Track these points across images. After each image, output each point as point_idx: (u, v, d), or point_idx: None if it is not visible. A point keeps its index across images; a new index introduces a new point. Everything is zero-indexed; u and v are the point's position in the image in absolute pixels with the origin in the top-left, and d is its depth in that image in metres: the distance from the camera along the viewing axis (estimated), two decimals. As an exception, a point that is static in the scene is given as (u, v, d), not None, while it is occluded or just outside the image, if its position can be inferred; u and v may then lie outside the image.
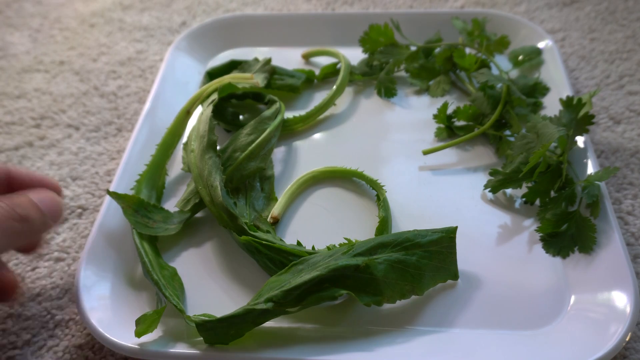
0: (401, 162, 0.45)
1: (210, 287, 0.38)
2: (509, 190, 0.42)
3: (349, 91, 0.53)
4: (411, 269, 0.34)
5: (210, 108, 0.44)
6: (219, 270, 0.38)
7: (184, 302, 0.37)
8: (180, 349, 0.33)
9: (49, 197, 0.34)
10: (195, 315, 0.33)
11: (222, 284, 0.38)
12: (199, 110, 0.46)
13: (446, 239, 0.35)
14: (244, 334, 0.32)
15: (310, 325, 0.35)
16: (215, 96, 0.46)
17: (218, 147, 0.42)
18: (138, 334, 0.32)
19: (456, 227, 0.35)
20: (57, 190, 0.36)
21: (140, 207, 0.39)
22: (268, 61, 0.52)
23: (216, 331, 0.32)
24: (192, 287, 0.37)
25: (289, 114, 0.49)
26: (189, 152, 0.42)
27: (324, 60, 0.55)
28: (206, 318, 0.33)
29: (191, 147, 0.42)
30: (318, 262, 0.33)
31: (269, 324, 0.33)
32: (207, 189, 0.39)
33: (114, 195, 0.39)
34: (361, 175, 0.43)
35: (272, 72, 0.51)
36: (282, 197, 0.42)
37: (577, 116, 0.41)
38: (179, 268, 0.38)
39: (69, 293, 0.39)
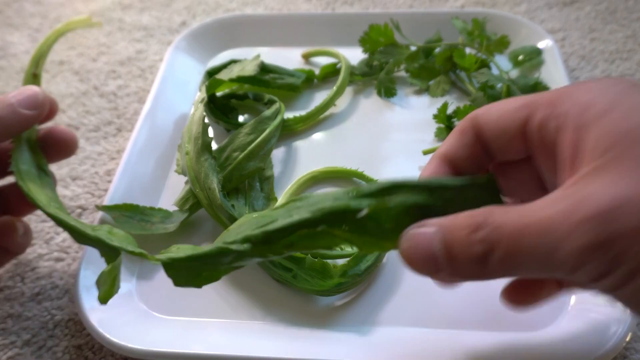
0: (401, 162, 0.45)
1: (209, 287, 0.37)
2: (509, 190, 0.42)
3: (349, 91, 0.53)
4: (434, 216, 0.24)
5: (202, 108, 0.44)
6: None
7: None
8: (180, 349, 0.33)
9: (20, 90, 0.34)
10: (161, 252, 0.29)
11: (222, 285, 0.38)
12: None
13: (487, 184, 0.26)
14: (220, 277, 0.28)
15: (311, 325, 0.35)
16: (204, 94, 0.46)
17: (217, 146, 0.42)
18: (102, 298, 0.29)
19: (492, 174, 0.26)
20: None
21: (135, 213, 0.39)
22: (257, 57, 0.52)
23: (186, 271, 0.28)
24: (190, 289, 0.37)
25: (289, 114, 0.49)
26: (183, 155, 0.42)
27: (324, 60, 0.55)
28: (174, 255, 0.27)
29: (186, 149, 0.42)
30: (317, 203, 0.26)
31: (268, 323, 0.33)
32: (204, 192, 0.39)
33: (104, 208, 0.39)
34: (361, 175, 0.43)
35: (262, 64, 0.51)
36: (282, 198, 0.42)
37: (577, 116, 0.41)
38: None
39: (69, 293, 0.39)
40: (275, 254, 0.26)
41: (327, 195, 0.25)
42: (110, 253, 0.30)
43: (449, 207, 0.24)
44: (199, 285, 0.28)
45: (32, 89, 0.35)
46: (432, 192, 0.25)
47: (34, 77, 0.38)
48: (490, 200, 0.25)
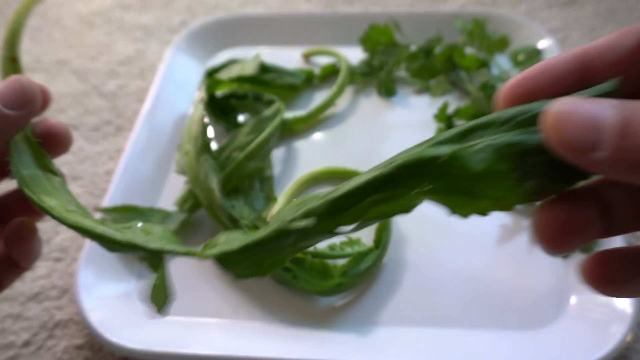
0: (401, 162, 0.45)
1: (209, 287, 0.37)
2: (509, 190, 0.42)
3: (349, 91, 0.53)
4: (536, 155, 0.19)
5: (202, 108, 0.43)
6: (218, 271, 0.38)
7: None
8: (180, 349, 0.33)
9: (1, 86, 0.27)
10: (208, 244, 0.25)
11: (222, 285, 0.38)
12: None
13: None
14: (286, 261, 0.24)
15: (311, 325, 0.35)
16: (204, 94, 0.46)
17: (217, 146, 0.42)
18: (162, 310, 0.26)
19: (619, 79, 0.19)
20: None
21: (134, 214, 0.39)
22: (257, 56, 0.52)
23: (245, 262, 0.24)
24: (190, 288, 0.37)
25: (289, 114, 0.48)
26: (182, 155, 0.42)
27: (324, 60, 0.55)
28: (227, 248, 0.23)
29: (185, 149, 0.42)
30: (386, 163, 0.22)
31: (268, 323, 0.33)
32: (204, 192, 0.39)
33: (104, 210, 0.39)
34: (361, 175, 0.43)
35: (261, 64, 0.51)
36: (281, 198, 0.42)
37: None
38: (176, 268, 0.38)
39: (69, 293, 0.38)
40: (343, 224, 0.21)
41: (398, 154, 0.21)
42: (152, 257, 0.26)
43: None
44: (263, 274, 0.24)
45: (16, 81, 0.28)
46: (526, 125, 0.19)
47: (12, 62, 0.32)
48: None
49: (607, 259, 0.20)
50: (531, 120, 0.19)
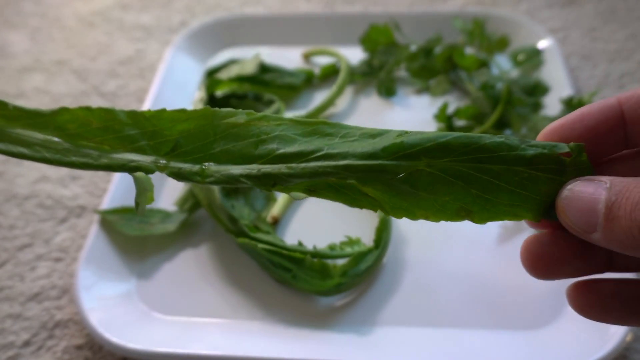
0: (401, 162, 0.45)
1: (208, 286, 0.38)
2: (509, 190, 0.42)
3: (349, 91, 0.53)
4: (477, 190, 0.22)
5: (200, 107, 0.44)
6: (218, 271, 0.38)
7: None
8: (180, 349, 0.33)
9: None
10: None
11: (222, 284, 0.38)
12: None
13: (551, 159, 0.21)
14: None
15: (311, 325, 0.35)
16: (204, 94, 0.46)
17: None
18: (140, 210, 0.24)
19: (581, 145, 0.21)
20: None
21: (134, 214, 0.39)
22: (256, 56, 0.52)
23: None
24: (190, 288, 0.37)
25: (289, 114, 0.48)
26: None
27: (324, 60, 0.55)
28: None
29: None
30: (349, 151, 0.22)
31: (268, 323, 0.33)
32: (204, 192, 0.39)
33: (103, 213, 0.39)
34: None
35: (261, 64, 0.51)
36: (281, 197, 0.42)
37: (578, 116, 0.41)
38: (177, 267, 0.38)
39: (69, 293, 0.38)
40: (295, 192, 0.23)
41: (361, 140, 0.22)
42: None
43: (496, 182, 0.21)
44: None
45: None
46: (481, 162, 0.21)
47: None
48: (548, 179, 0.21)
49: (590, 286, 0.21)
50: (485, 159, 0.21)
